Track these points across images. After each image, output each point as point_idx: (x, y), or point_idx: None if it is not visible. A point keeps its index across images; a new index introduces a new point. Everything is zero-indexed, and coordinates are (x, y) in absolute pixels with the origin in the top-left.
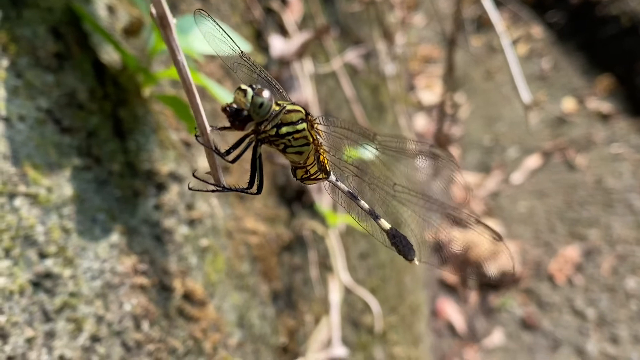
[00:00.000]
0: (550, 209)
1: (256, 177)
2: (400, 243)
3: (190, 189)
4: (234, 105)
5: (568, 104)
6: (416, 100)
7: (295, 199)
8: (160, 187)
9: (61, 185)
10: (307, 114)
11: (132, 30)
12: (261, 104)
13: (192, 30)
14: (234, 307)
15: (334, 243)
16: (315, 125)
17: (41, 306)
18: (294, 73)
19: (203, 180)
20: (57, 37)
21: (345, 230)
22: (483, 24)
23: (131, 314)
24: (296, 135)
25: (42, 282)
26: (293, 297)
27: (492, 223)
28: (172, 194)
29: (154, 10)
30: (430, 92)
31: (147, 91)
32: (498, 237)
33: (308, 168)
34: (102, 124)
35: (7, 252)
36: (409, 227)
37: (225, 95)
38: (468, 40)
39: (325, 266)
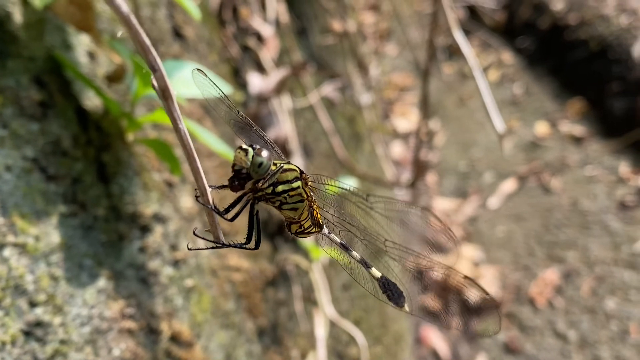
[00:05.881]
0: (528, 232)
1: (254, 233)
2: (390, 290)
3: (189, 249)
4: (235, 166)
5: (541, 128)
6: (392, 128)
7: (277, 233)
8: (145, 229)
9: (48, 233)
10: (302, 172)
11: (115, 77)
12: (260, 164)
13: (175, 75)
14: (220, 347)
15: (317, 277)
16: (309, 183)
17: (33, 355)
18: (272, 109)
19: (203, 238)
20: (41, 85)
21: (328, 263)
22: (454, 51)
23: (120, 359)
24: (291, 193)
25: (33, 331)
26: (279, 332)
27: (471, 248)
28: (156, 236)
29: (155, 83)
30: (405, 120)
31: (131, 136)
32: (487, 294)
33: (302, 223)
34: (86, 170)
35: None
36: (400, 282)
37: (210, 139)
38: (440, 68)
39: (310, 300)
